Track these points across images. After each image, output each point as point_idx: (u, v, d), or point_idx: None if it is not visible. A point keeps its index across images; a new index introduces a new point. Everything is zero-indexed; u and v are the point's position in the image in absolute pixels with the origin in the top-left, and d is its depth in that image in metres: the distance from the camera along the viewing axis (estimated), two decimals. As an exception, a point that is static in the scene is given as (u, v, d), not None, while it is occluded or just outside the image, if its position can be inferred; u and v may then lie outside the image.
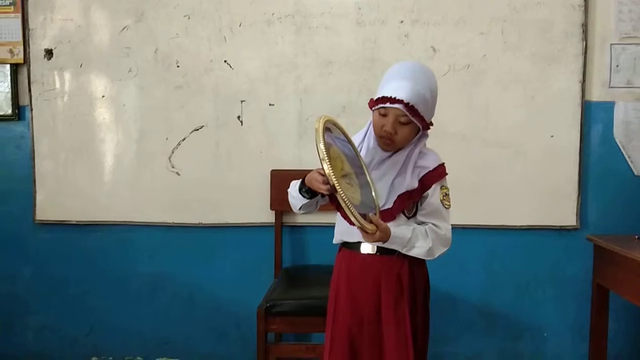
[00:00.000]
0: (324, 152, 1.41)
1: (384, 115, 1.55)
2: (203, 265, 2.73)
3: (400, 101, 1.51)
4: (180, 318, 2.75)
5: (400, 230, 1.58)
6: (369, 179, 1.59)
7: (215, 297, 2.72)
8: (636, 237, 2.35)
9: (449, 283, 2.61)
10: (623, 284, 2.24)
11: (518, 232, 2.64)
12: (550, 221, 2.62)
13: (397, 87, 1.53)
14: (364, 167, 1.60)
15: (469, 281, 2.68)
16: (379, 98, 1.56)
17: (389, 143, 1.58)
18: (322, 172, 1.46)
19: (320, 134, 1.43)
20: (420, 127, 1.59)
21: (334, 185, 1.40)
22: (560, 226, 2.62)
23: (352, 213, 1.42)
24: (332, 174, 1.40)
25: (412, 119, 1.54)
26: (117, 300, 2.76)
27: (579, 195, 2.60)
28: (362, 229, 1.48)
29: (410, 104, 1.51)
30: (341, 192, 1.40)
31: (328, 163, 1.41)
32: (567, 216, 2.61)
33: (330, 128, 1.52)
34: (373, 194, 1.57)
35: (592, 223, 2.63)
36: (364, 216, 1.48)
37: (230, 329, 2.74)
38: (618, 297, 2.35)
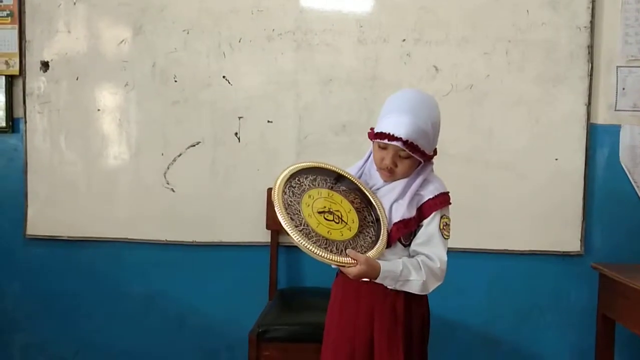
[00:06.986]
0: (276, 200, 1.47)
1: (384, 148, 1.52)
2: (196, 284, 2.65)
3: (399, 139, 1.47)
4: (171, 339, 2.67)
5: (390, 265, 1.50)
6: (375, 204, 1.57)
7: (207, 318, 2.65)
8: (643, 266, 2.28)
9: (449, 309, 2.52)
10: (630, 316, 2.16)
11: (520, 257, 2.57)
12: (553, 246, 2.55)
13: (396, 122, 1.49)
14: (368, 193, 1.58)
15: (470, 307, 2.60)
16: (377, 133, 1.52)
17: (389, 176, 1.56)
18: None
19: (276, 188, 1.49)
20: (422, 160, 1.55)
21: (285, 230, 1.44)
22: (564, 252, 2.55)
23: (310, 251, 1.42)
24: (282, 219, 1.44)
25: (412, 154, 1.50)
26: (107, 319, 2.68)
27: (583, 220, 2.53)
28: (339, 265, 1.47)
29: (409, 141, 1.47)
30: (293, 234, 1.43)
31: (280, 208, 1.45)
32: (571, 242, 2.54)
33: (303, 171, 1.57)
34: (379, 212, 1.55)
35: (597, 249, 2.55)
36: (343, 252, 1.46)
37: (222, 352, 2.66)
38: (624, 328, 2.26)
